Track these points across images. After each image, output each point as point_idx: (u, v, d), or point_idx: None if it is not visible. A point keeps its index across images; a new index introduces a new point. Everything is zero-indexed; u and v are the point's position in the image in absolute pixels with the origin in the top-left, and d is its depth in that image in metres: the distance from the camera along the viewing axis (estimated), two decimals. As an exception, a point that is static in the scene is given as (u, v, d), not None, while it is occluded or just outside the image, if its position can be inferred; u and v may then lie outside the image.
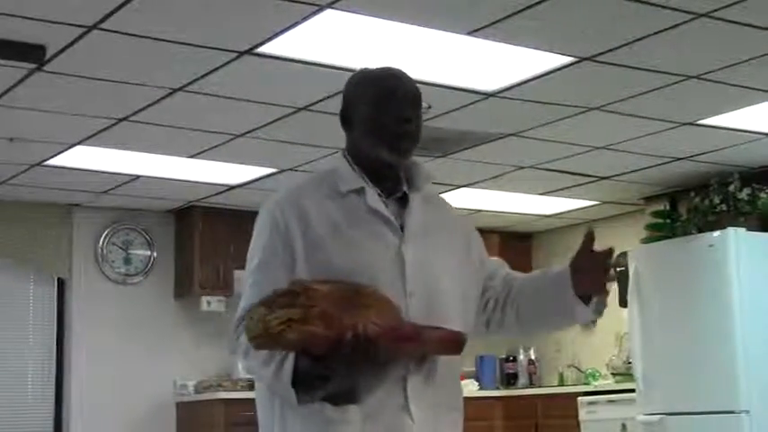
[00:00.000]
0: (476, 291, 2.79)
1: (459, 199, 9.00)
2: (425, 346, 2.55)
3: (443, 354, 2.60)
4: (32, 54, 5.26)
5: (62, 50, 5.26)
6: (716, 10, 4.97)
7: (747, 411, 7.31)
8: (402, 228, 2.67)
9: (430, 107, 2.79)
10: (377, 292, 2.51)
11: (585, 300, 2.72)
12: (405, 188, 2.73)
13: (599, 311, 2.76)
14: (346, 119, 2.76)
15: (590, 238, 2.63)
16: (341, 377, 2.47)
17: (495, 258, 2.94)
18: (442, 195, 3.02)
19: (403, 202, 2.72)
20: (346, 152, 2.76)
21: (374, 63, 2.88)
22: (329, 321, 2.40)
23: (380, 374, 2.54)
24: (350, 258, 2.58)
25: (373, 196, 2.68)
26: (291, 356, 2.46)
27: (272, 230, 2.64)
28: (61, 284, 9.00)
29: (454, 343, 2.58)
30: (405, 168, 2.77)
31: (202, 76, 5.70)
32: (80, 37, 5.09)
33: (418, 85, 2.81)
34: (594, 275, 2.65)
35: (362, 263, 2.58)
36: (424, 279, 2.63)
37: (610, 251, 2.64)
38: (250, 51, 5.33)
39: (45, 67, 5.49)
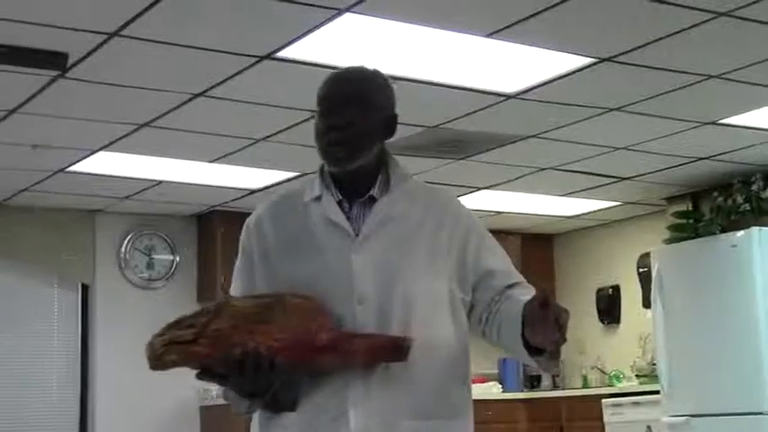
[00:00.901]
0: (459, 290, 2.64)
1: (480, 201, 9.00)
2: (351, 355, 2.47)
3: (383, 361, 2.49)
4: (55, 61, 5.29)
5: (84, 57, 5.29)
6: (736, 9, 4.95)
7: (773, 412, 7.29)
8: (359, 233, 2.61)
9: (382, 105, 2.64)
10: (305, 304, 2.49)
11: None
12: (374, 191, 2.65)
13: (548, 367, 2.58)
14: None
15: (543, 298, 2.40)
16: (279, 386, 2.48)
17: (501, 267, 2.70)
18: (443, 192, 2.87)
19: (372, 206, 2.65)
20: None
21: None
22: (217, 340, 2.42)
23: (319, 383, 2.50)
24: (297, 269, 2.58)
25: (329, 203, 2.64)
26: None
27: (241, 250, 2.76)
28: (85, 289, 9.04)
29: (392, 350, 2.48)
30: (385, 169, 2.68)
31: (223, 81, 5.72)
32: (101, 44, 5.11)
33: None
34: (546, 333, 2.42)
35: (308, 273, 2.56)
36: (377, 284, 2.54)
37: (562, 313, 2.40)
38: (270, 56, 5.35)
39: (67, 74, 5.52)
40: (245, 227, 2.75)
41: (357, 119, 2.59)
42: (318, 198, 2.66)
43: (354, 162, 2.61)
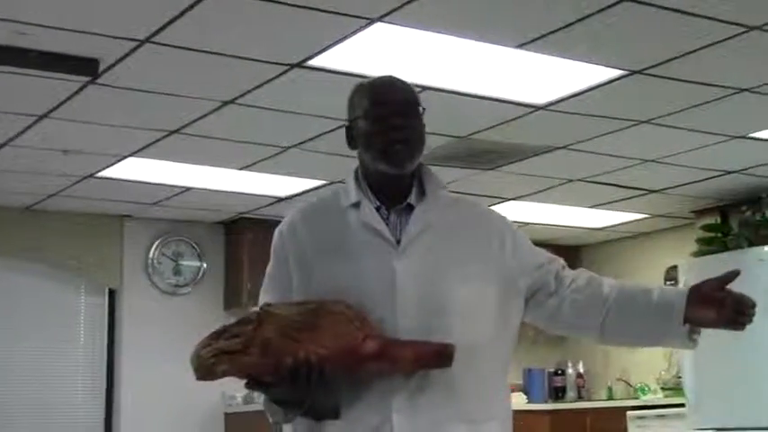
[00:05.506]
0: (507, 293, 2.69)
1: (508, 212, 8.94)
2: (397, 362, 2.48)
3: (428, 368, 2.51)
4: (86, 67, 5.32)
5: (115, 64, 5.32)
6: (767, 23, 4.95)
7: (800, 428, 7.24)
8: (400, 241, 2.63)
9: (424, 110, 2.71)
10: (348, 311, 2.50)
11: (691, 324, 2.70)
12: (411, 198, 2.69)
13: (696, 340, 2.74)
14: (349, 136, 2.75)
15: (735, 275, 2.68)
16: (321, 394, 2.48)
17: (544, 259, 2.82)
18: (472, 200, 2.97)
19: (410, 213, 2.69)
20: (358, 167, 2.77)
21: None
22: (267, 349, 2.43)
23: (362, 390, 2.52)
24: (335, 274, 2.60)
25: (369, 209, 2.67)
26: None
27: (274, 256, 2.77)
28: (112, 294, 9.08)
29: (437, 357, 2.49)
30: (419, 177, 2.74)
31: (253, 89, 5.74)
32: (133, 50, 5.14)
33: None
34: (725, 311, 2.67)
35: (347, 278, 2.58)
36: (419, 291, 2.57)
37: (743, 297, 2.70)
38: (300, 64, 5.36)
39: (98, 80, 5.55)
40: (277, 233, 2.77)
41: (416, 122, 2.67)
42: (356, 204, 2.68)
43: (413, 163, 2.67)
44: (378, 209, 2.68)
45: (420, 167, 2.74)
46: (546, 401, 10.21)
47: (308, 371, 2.41)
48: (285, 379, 2.42)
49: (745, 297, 2.68)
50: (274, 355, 2.42)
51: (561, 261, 2.84)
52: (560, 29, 4.96)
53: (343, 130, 2.76)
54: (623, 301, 2.74)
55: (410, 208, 2.69)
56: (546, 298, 2.77)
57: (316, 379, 2.42)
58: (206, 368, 2.46)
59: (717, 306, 2.66)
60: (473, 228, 2.74)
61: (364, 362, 2.46)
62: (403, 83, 2.74)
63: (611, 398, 9.81)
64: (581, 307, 2.75)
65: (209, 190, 8.14)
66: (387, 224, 2.66)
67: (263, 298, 2.71)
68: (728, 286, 2.72)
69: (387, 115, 2.64)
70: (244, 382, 2.51)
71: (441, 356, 2.49)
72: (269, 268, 2.78)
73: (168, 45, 5.07)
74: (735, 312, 2.66)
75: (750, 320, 2.67)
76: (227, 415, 9.16)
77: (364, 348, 2.46)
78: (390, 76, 2.77)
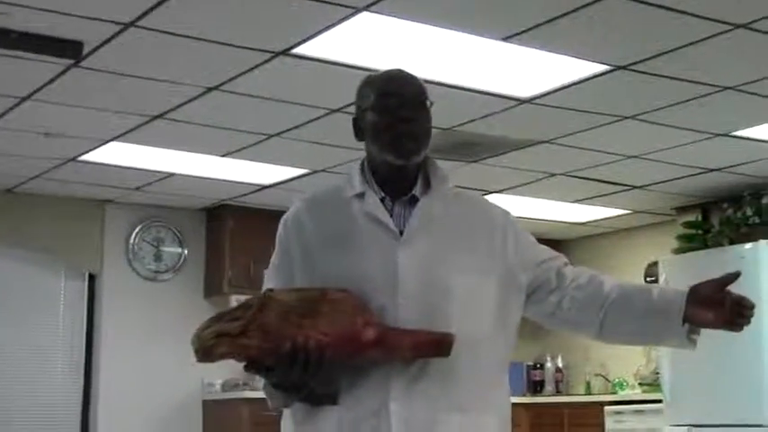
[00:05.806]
0: (508, 289, 2.72)
1: (491, 204, 8.98)
2: (396, 350, 2.51)
3: (426, 357, 2.54)
4: (70, 50, 5.29)
5: (99, 47, 5.29)
6: (753, 21, 4.95)
7: (775, 425, 7.28)
8: (403, 232, 2.65)
9: (432, 104, 2.73)
10: (349, 298, 2.52)
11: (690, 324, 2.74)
12: (416, 190, 2.71)
13: (695, 341, 2.78)
14: (357, 127, 2.76)
15: (735, 277, 2.69)
16: (320, 380, 2.49)
17: (546, 255, 2.82)
18: (476, 194, 2.98)
19: (414, 204, 2.71)
20: (364, 158, 2.79)
21: (409, 66, 2.88)
22: (267, 333, 2.43)
23: (360, 377, 2.54)
24: (339, 264, 2.62)
25: (373, 200, 2.68)
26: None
27: (278, 245, 2.77)
28: (92, 279, 9.05)
29: (435, 346, 2.52)
30: (424, 170, 2.76)
31: (238, 76, 5.72)
32: (117, 34, 5.12)
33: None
34: (724, 312, 2.69)
35: (351, 268, 2.60)
36: (422, 281, 2.59)
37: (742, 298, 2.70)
38: (286, 52, 5.35)
39: (82, 63, 5.52)
40: (282, 222, 2.78)
41: (423, 115, 2.70)
42: (360, 195, 2.70)
43: (420, 155, 2.69)
44: (382, 200, 2.70)
45: (426, 160, 2.76)
46: (524, 395, 10.24)
47: (305, 356, 2.42)
48: (283, 363, 2.44)
49: (744, 299, 2.69)
50: (274, 340, 2.43)
51: (563, 258, 2.86)
52: (546, 22, 4.96)
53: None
54: (623, 299, 2.75)
55: (414, 200, 2.71)
56: (547, 294, 2.78)
57: (314, 364, 2.43)
58: (205, 349, 2.45)
59: (716, 307, 2.68)
60: (476, 221, 2.76)
61: (363, 349, 2.48)
62: (412, 76, 2.76)
63: (589, 392, 9.84)
64: (581, 304, 2.77)
65: (192, 176, 8.12)
66: (390, 215, 2.68)
67: (267, 285, 2.71)
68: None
69: (395, 108, 2.66)
70: (242, 365, 2.51)
71: (439, 346, 2.52)
72: (273, 257, 2.79)
73: (153, 29, 5.05)
74: (733, 314, 2.67)
75: (748, 322, 2.69)
76: (205, 402, 9.15)
77: (364, 335, 2.48)
78: (400, 70, 2.78)
